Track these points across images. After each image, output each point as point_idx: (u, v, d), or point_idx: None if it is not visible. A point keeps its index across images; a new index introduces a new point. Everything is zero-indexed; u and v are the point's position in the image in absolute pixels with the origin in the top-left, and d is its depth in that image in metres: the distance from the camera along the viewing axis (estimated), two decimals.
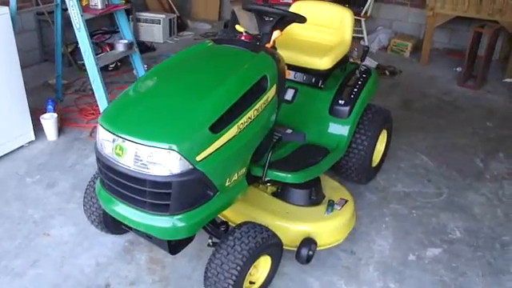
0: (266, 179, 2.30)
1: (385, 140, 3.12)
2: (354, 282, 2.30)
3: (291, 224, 2.32)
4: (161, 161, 1.72)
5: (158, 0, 6.20)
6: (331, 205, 2.40)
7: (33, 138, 3.38)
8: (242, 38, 2.33)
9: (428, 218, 2.80)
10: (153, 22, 5.75)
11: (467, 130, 3.97)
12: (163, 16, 5.76)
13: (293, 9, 2.96)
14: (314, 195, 2.44)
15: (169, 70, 2.09)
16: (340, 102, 2.71)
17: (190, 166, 1.75)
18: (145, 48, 5.36)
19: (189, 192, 1.80)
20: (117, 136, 1.77)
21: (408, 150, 3.58)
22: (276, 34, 2.28)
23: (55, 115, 3.44)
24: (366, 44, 5.97)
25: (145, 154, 1.73)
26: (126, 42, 3.55)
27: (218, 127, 1.82)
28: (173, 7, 6.36)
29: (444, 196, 3.03)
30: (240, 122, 1.90)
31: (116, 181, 1.86)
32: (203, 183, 1.82)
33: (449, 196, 3.04)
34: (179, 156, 1.71)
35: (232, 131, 1.87)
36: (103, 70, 4.81)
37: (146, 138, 1.73)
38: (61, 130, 3.57)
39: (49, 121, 3.39)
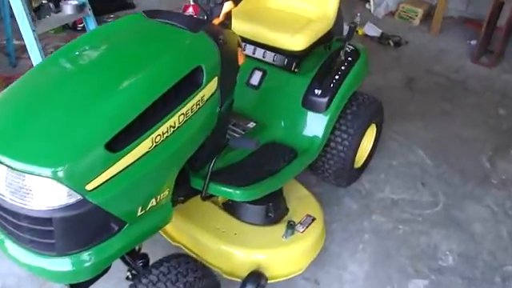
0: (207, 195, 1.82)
1: (373, 136, 2.59)
2: None
3: (237, 250, 1.86)
4: (36, 190, 1.25)
5: None
6: (291, 227, 1.92)
7: None
8: (189, 10, 1.80)
9: (416, 237, 2.33)
10: None
11: (476, 118, 3.40)
12: None
13: None
14: (271, 212, 1.96)
15: (70, 58, 1.54)
16: (316, 91, 2.17)
17: (78, 197, 1.27)
18: (123, 4, 4.74)
19: (78, 229, 1.33)
20: None
21: (403, 142, 3.05)
22: (228, 5, 1.72)
23: None
24: (372, 9, 5.31)
25: (16, 179, 1.26)
26: (75, 3, 2.97)
27: (119, 143, 1.31)
28: None
29: (440, 206, 2.54)
30: (156, 134, 1.40)
31: None
32: (99, 217, 1.35)
33: (445, 207, 2.54)
34: (60, 185, 1.24)
35: (142, 147, 1.37)
36: (71, 29, 4.31)
37: (19, 159, 1.25)
38: None
39: None
